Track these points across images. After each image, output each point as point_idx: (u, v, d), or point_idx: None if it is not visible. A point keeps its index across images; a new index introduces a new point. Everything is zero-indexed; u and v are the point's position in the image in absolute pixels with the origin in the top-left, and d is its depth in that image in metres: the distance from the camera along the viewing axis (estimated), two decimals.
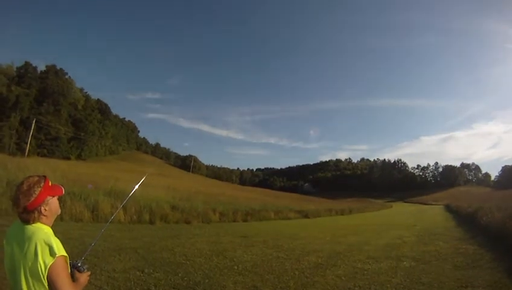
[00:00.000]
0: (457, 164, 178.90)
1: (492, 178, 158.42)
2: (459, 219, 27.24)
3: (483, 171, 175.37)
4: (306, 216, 30.39)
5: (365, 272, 8.52)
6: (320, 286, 7.18)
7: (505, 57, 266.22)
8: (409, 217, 36.78)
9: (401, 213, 47.94)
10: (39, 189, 2.23)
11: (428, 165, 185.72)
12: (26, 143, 73.01)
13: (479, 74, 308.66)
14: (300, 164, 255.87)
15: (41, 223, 2.26)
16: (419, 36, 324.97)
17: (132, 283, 6.52)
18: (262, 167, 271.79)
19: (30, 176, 2.30)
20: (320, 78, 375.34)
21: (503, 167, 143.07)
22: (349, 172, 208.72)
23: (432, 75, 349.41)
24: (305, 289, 6.93)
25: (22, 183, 2.24)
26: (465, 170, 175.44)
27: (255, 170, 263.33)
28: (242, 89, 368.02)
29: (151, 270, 7.45)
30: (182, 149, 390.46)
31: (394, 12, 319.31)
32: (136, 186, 3.47)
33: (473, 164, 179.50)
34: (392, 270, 8.69)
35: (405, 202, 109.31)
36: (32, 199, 2.19)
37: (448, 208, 50.17)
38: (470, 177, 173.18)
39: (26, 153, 69.77)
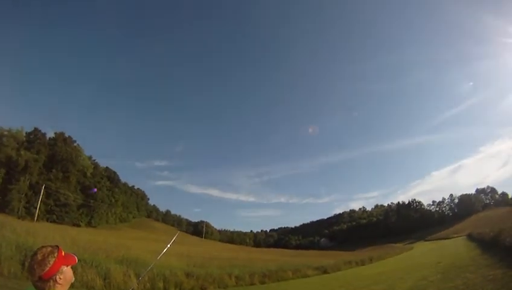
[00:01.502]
0: (472, 191, 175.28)
1: (510, 196, 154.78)
2: (483, 246, 26.49)
3: (499, 192, 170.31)
4: (325, 271, 29.53)
5: None
6: None
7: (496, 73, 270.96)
8: (432, 255, 35.78)
9: (423, 253, 46.76)
10: (53, 259, 2.32)
11: (444, 199, 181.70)
12: (35, 208, 74.06)
13: (471, 99, 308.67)
14: (314, 219, 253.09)
15: None
16: (411, 74, 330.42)
17: None
18: (276, 227, 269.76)
19: (43, 246, 2.39)
20: (322, 131, 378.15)
21: None
22: (364, 221, 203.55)
23: (430, 110, 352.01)
24: None
25: (35, 253, 2.33)
26: (481, 195, 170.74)
27: (268, 230, 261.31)
28: (247, 152, 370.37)
29: None
30: (193, 215, 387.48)
31: (386, 53, 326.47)
32: (168, 245, 4.24)
33: (488, 187, 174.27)
34: None
35: (426, 241, 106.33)
36: (47, 268, 2.27)
37: (470, 238, 49.13)
38: (488, 201, 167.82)
39: (36, 218, 70.39)
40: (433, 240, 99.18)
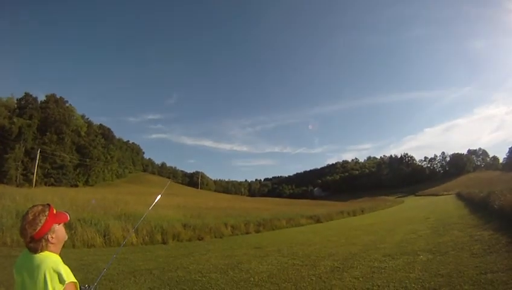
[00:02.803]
0: (464, 151, 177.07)
1: (501, 161, 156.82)
2: (471, 206, 26.93)
3: (490, 155, 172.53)
4: (318, 221, 30.10)
5: (382, 270, 8.45)
6: (338, 289, 7.13)
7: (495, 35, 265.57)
8: (422, 210, 36.51)
9: (413, 207, 47.60)
10: (44, 217, 2.27)
11: (436, 156, 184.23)
12: (33, 174, 73.64)
13: (472, 58, 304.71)
14: (308, 169, 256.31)
15: (49, 251, 2.29)
16: (408, 29, 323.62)
17: None
18: (270, 177, 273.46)
19: (34, 206, 2.34)
20: (315, 81, 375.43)
21: (510, 148, 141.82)
22: (357, 172, 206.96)
23: (426, 66, 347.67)
24: None
25: (26, 213, 2.28)
26: (473, 156, 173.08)
27: (263, 180, 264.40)
28: (240, 102, 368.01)
29: None
30: (188, 166, 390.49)
31: (383, 8, 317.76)
32: (153, 204, 3.56)
33: (480, 149, 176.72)
34: (409, 266, 8.61)
35: (416, 196, 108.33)
36: (39, 228, 2.22)
37: (459, 197, 49.80)
38: (479, 163, 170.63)
39: (34, 184, 70.38)
40: (424, 195, 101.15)
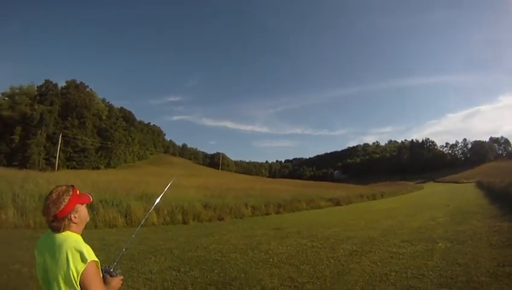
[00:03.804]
0: (486, 139, 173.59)
1: None
2: (491, 196, 26.61)
3: None
4: (338, 203, 29.95)
5: (400, 256, 8.44)
6: (356, 273, 7.13)
7: None
8: (441, 197, 36.13)
9: (432, 194, 46.93)
10: (68, 197, 2.29)
11: (457, 142, 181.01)
12: (55, 158, 75.13)
13: (499, 43, 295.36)
14: (329, 151, 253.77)
15: (71, 231, 2.31)
16: (430, 11, 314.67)
17: (169, 282, 6.59)
18: (291, 158, 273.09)
19: (58, 186, 2.37)
20: (338, 62, 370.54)
21: None
22: (378, 156, 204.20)
23: (451, 50, 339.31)
24: (341, 277, 6.87)
25: (51, 192, 2.30)
26: (495, 144, 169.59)
27: (283, 161, 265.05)
28: (261, 83, 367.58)
29: (187, 269, 7.50)
30: (209, 148, 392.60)
31: None
32: (166, 189, 3.55)
33: (502, 137, 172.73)
34: (427, 253, 8.58)
35: (436, 182, 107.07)
36: (62, 207, 2.25)
37: (479, 185, 49.15)
38: (500, 152, 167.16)
39: (56, 167, 71.81)
40: (443, 182, 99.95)
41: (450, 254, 8.38)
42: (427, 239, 10.42)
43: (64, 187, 2.35)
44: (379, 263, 7.79)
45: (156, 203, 3.75)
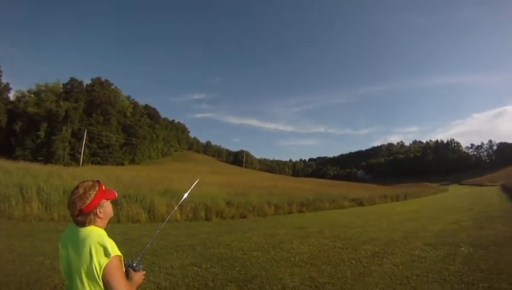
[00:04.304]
0: None
1: None
2: None
3: None
4: (361, 204, 29.74)
5: (422, 259, 8.38)
6: (377, 275, 7.12)
7: None
8: (465, 200, 35.46)
9: (456, 196, 46.17)
10: (94, 192, 2.32)
11: (482, 143, 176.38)
12: (80, 153, 76.70)
13: None
14: (353, 150, 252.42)
15: (96, 225, 2.35)
16: (459, 8, 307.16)
17: (190, 278, 6.66)
18: (315, 157, 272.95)
19: (85, 181, 2.40)
20: (362, 61, 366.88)
21: None
22: (402, 156, 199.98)
23: (477, 48, 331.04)
24: (362, 279, 6.87)
25: (77, 187, 2.33)
26: None
27: (307, 160, 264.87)
28: (285, 81, 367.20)
29: (209, 266, 7.57)
30: (233, 145, 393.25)
31: None
32: (193, 186, 3.60)
33: None
34: (449, 257, 8.50)
35: (460, 184, 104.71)
36: (88, 201, 2.28)
37: (505, 189, 47.94)
38: None
39: (81, 163, 73.29)
40: (468, 184, 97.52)
41: (473, 259, 8.29)
42: (449, 243, 10.31)
43: (90, 182, 2.40)
44: (400, 266, 7.77)
45: (183, 200, 3.83)
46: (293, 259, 8.44)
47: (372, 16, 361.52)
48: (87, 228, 2.30)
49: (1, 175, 15.55)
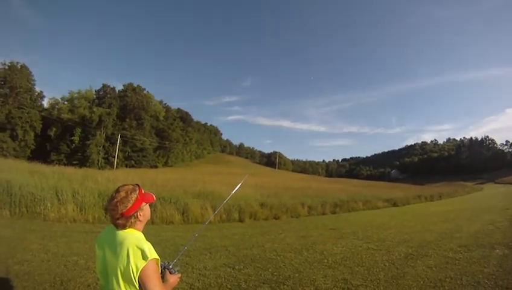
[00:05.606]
0: None
1: None
2: None
3: None
4: (395, 204, 29.59)
5: (456, 261, 8.30)
6: (410, 277, 7.08)
7: None
8: (501, 199, 34.46)
9: (492, 196, 44.78)
10: (135, 196, 2.40)
11: None
12: (114, 157, 78.74)
13: None
14: (386, 150, 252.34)
15: (134, 228, 2.42)
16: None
17: (223, 279, 6.78)
18: (348, 157, 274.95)
19: (125, 184, 2.48)
20: (393, 58, 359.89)
21: None
22: (436, 154, 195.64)
23: (509, 40, 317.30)
24: (394, 281, 6.86)
25: (118, 191, 2.41)
26: None
27: (340, 160, 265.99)
28: (316, 81, 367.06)
29: (242, 267, 7.67)
30: (265, 147, 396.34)
31: None
32: (237, 187, 3.78)
33: None
34: (484, 260, 8.37)
35: (495, 183, 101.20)
36: (130, 205, 2.36)
37: None
38: None
39: (115, 166, 75.19)
40: (503, 183, 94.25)
41: (508, 261, 8.15)
42: (484, 245, 10.12)
43: (131, 186, 2.47)
44: (434, 268, 7.72)
45: (226, 201, 4.00)
46: (326, 261, 8.48)
47: (398, 10, 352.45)
48: (126, 230, 2.39)
49: (37, 178, 15.92)
